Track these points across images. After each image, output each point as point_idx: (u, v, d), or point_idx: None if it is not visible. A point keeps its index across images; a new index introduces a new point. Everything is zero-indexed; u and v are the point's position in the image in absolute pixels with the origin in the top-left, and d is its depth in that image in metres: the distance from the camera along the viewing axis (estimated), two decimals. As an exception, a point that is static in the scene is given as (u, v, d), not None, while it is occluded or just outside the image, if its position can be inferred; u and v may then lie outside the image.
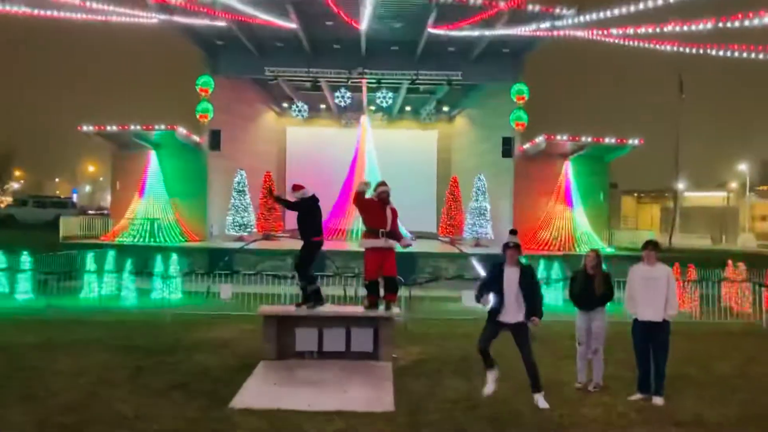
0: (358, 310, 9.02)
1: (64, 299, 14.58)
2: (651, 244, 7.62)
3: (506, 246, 7.52)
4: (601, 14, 19.98)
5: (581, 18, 21.84)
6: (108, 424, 6.43)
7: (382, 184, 9.11)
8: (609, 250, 24.41)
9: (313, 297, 8.88)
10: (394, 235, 8.94)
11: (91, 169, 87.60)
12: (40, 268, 15.98)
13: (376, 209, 8.95)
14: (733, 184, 66.53)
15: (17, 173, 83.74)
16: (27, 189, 75.87)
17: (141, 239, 23.79)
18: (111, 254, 17.04)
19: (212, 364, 9.00)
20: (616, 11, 19.08)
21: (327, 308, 9.17)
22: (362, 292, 13.31)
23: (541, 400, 7.23)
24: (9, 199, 54.94)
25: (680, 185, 57.33)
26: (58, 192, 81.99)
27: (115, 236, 24.31)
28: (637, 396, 7.59)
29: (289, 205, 9.22)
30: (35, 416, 6.64)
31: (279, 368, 8.31)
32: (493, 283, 7.43)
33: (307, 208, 9.03)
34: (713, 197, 69.48)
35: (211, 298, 14.91)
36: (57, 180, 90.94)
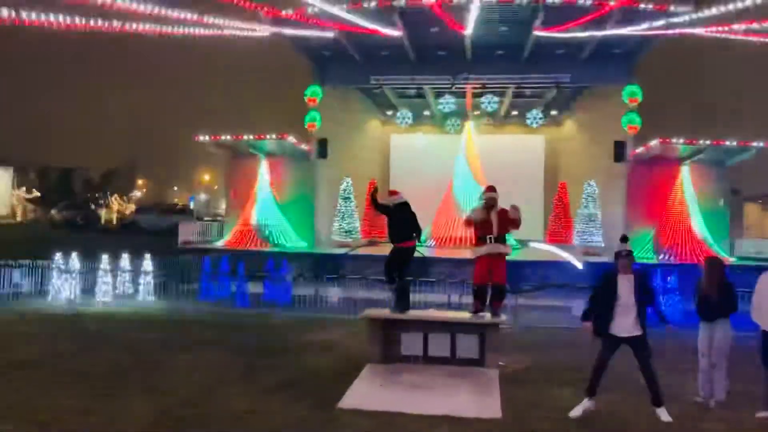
0: (464, 316, 8.93)
1: (182, 301, 15.38)
2: None
3: (618, 254, 7.21)
4: (721, 8, 18.78)
5: (698, 15, 20.71)
6: (223, 420, 6.70)
7: (489, 188, 9.01)
8: (731, 260, 22.88)
9: (397, 298, 8.93)
10: (502, 240, 8.83)
11: (206, 177, 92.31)
12: (160, 271, 16.96)
13: (484, 216, 8.86)
14: None
15: (140, 182, 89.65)
16: (148, 197, 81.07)
17: (254, 244, 24.74)
18: (225, 258, 17.83)
19: (320, 365, 9.20)
20: (739, 3, 17.92)
21: (432, 313, 9.15)
22: (466, 299, 13.25)
23: (663, 414, 6.86)
24: (133, 207, 58.85)
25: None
26: (177, 200, 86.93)
27: (232, 241, 25.41)
28: (765, 414, 7.02)
29: (378, 207, 9.35)
30: (156, 407, 7.03)
31: (385, 371, 8.36)
32: (604, 294, 7.09)
33: (394, 213, 9.12)
34: None
35: (318, 301, 15.25)
36: (175, 188, 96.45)
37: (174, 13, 18.43)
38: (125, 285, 17.03)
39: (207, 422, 6.61)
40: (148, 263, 16.86)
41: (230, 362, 9.30)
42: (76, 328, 12.02)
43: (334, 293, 14.50)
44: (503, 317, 8.95)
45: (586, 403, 6.99)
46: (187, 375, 8.55)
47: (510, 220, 8.86)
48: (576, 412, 6.95)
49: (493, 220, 8.76)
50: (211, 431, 6.35)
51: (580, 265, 16.64)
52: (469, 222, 9.08)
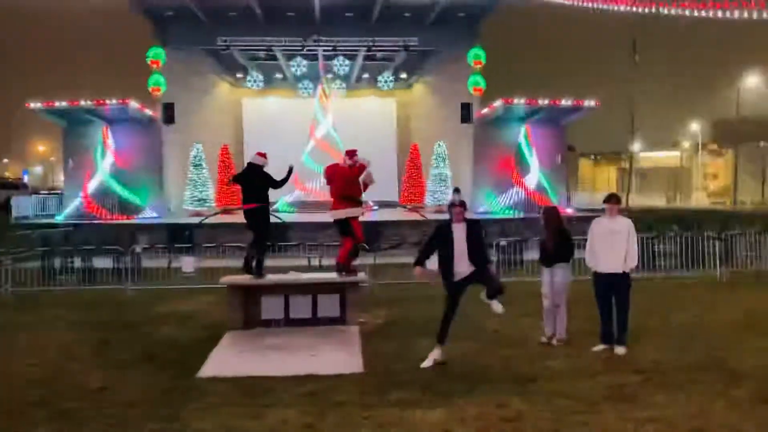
0: (324, 276, 9.02)
1: (22, 280, 14.18)
2: (613, 198, 7.78)
3: (451, 204, 7.61)
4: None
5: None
6: (75, 397, 6.31)
7: (348, 153, 9.23)
8: (569, 211, 24.80)
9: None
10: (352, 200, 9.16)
11: (41, 148, 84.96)
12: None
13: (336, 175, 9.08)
14: (686, 144, 68.11)
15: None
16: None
17: (99, 217, 23.24)
18: (66, 232, 16.63)
19: (179, 335, 8.91)
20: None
21: (293, 276, 9.14)
22: (325, 262, 13.41)
23: (495, 304, 7.28)
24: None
25: (635, 146, 58.52)
26: (7, 174, 79.38)
27: (74, 215, 23.68)
28: (601, 347, 7.79)
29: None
30: (-2, 395, 6.49)
31: (246, 337, 8.27)
32: (439, 241, 7.40)
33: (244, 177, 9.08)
34: (668, 157, 71.11)
35: (172, 272, 14.69)
36: (5, 161, 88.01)
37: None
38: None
39: (57, 401, 6.19)
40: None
41: (82, 340, 8.74)
42: None
43: (188, 263, 14.01)
44: (362, 275, 9.12)
45: (435, 352, 7.32)
46: (32, 355, 7.95)
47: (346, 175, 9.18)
48: (427, 362, 7.26)
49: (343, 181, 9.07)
50: (63, 410, 5.96)
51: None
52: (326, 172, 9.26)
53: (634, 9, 20.53)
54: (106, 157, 24.63)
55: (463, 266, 7.29)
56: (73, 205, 24.27)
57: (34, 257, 14.89)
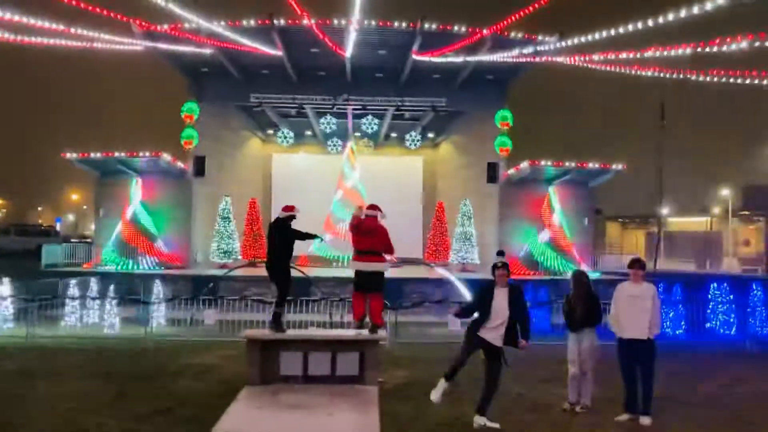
0: (344, 333, 8.95)
1: (45, 327, 14.31)
2: (637, 263, 7.66)
3: (495, 266, 7.54)
4: (583, 39, 20.21)
5: (564, 44, 22.20)
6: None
7: (373, 207, 9.28)
8: (595, 274, 24.50)
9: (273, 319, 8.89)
10: (375, 256, 9.07)
11: (74, 197, 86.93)
12: (20, 295, 15.68)
13: (362, 229, 9.06)
14: (716, 210, 67.19)
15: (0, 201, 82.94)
16: (9, 218, 75.04)
17: (124, 266, 23.53)
18: (93, 281, 16.80)
19: (196, 389, 8.85)
20: (597, 35, 19.36)
21: (313, 332, 9.08)
22: (347, 318, 13.29)
23: (482, 420, 7.17)
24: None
25: (664, 210, 57.89)
26: (41, 221, 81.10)
27: (97, 263, 24.02)
28: (625, 416, 7.54)
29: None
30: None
31: (263, 393, 8.17)
32: (481, 304, 7.41)
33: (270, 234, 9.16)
34: (697, 222, 70.09)
35: (194, 324, 14.70)
36: (40, 209, 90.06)
37: (39, 23, 17.37)
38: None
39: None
40: (4, 288, 15.56)
41: (99, 390, 8.72)
42: None
43: (210, 315, 14.02)
44: (382, 333, 9.03)
45: (443, 385, 7.28)
46: (49, 406, 7.94)
47: (384, 243, 9.15)
48: (436, 396, 7.29)
49: (371, 236, 8.96)
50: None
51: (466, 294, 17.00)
52: (352, 222, 9.26)
53: (662, 74, 20.62)
54: (135, 208, 25.09)
55: (494, 333, 7.21)
56: (101, 254, 24.61)
57: (59, 304, 15.06)
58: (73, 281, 16.15)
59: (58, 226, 62.56)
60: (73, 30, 18.32)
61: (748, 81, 18.26)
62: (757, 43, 14.53)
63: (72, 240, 43.95)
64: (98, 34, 19.75)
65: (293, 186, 29.97)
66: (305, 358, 8.47)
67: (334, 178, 28.28)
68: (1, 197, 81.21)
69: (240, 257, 26.33)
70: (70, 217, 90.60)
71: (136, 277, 20.54)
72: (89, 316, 15.62)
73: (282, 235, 8.94)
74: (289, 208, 9.14)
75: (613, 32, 18.53)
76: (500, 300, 7.28)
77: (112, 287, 15.74)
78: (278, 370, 8.49)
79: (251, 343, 8.54)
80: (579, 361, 7.89)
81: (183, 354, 11.59)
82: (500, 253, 7.21)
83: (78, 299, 15.65)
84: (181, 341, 12.94)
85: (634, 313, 7.36)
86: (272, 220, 9.30)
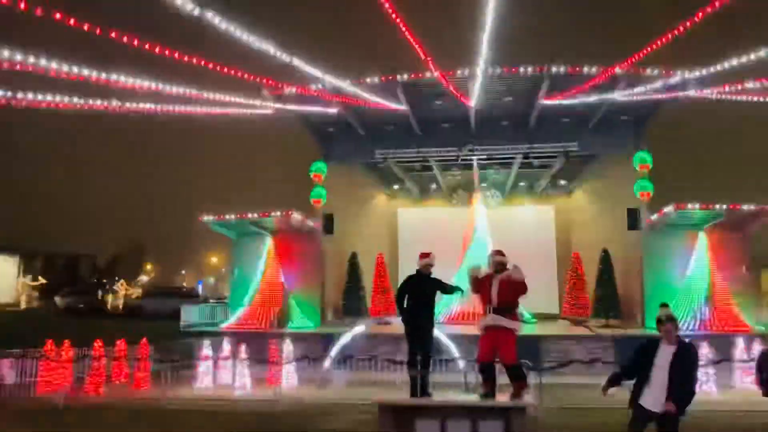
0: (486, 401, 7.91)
1: (179, 388, 14.36)
2: None
3: (659, 320, 6.40)
4: (726, 66, 18.37)
5: (704, 77, 20.43)
6: None
7: (496, 252, 8.16)
8: (760, 329, 21.79)
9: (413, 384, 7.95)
10: (506, 311, 7.83)
11: (214, 260, 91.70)
12: (156, 357, 15.98)
13: (485, 282, 7.97)
14: None
15: (148, 267, 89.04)
16: (156, 282, 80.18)
17: (260, 326, 23.73)
18: (225, 341, 16.87)
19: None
20: (735, 62, 17.53)
21: (450, 397, 8.18)
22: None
23: None
24: (140, 292, 58.06)
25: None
26: (185, 284, 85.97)
27: (236, 324, 24.42)
28: None
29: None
30: None
31: (398, 467, 7.35)
32: (641, 363, 6.28)
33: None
34: None
35: (324, 385, 14.19)
36: (183, 273, 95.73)
37: (174, 89, 18.23)
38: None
39: None
40: (144, 349, 15.94)
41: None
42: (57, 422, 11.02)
43: (340, 376, 13.44)
44: (528, 399, 7.91)
45: None
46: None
47: (514, 285, 7.88)
48: None
49: (494, 288, 7.83)
50: None
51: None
52: (473, 280, 8.18)
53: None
54: (269, 267, 25.46)
55: (660, 397, 6.07)
56: (235, 314, 25.08)
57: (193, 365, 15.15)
58: (207, 341, 16.25)
59: (199, 289, 65.95)
60: (206, 95, 19.08)
61: None
62: None
63: (210, 301, 45.83)
64: (230, 98, 20.49)
65: (420, 239, 29.37)
66: (443, 427, 7.57)
67: (461, 231, 27.48)
68: (150, 262, 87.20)
69: (369, 314, 25.93)
70: (211, 280, 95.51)
71: (268, 336, 20.56)
72: (221, 377, 15.59)
73: (425, 287, 8.21)
74: (425, 256, 8.42)
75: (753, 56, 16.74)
76: (663, 360, 6.12)
77: (243, 347, 15.65)
78: (414, 441, 7.64)
79: (383, 409, 7.77)
80: None
81: (313, 418, 11.00)
82: (664, 306, 6.19)
83: (212, 359, 15.71)
84: (312, 404, 12.41)
85: None
86: (407, 275, 8.52)
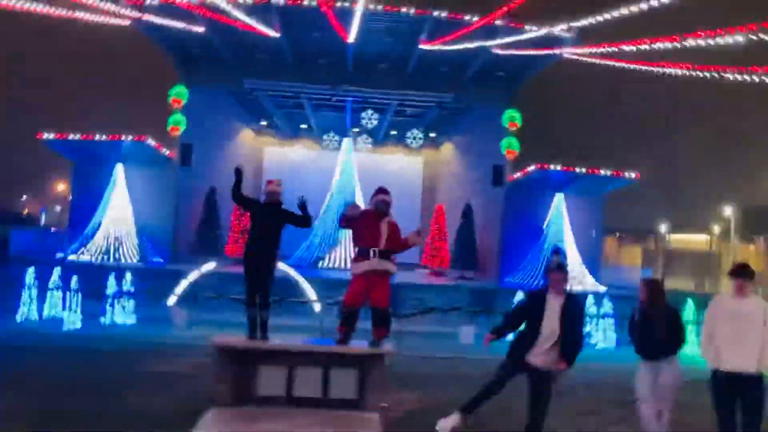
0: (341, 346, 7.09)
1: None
2: (742, 271, 5.61)
3: (549, 269, 5.86)
4: (599, 28, 18.63)
5: (579, 36, 20.73)
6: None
7: (382, 191, 7.28)
8: (602, 289, 22.99)
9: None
10: (391, 255, 7.08)
11: (61, 187, 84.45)
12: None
13: (369, 222, 7.10)
14: (717, 228, 65.79)
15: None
16: (-7, 207, 72.44)
17: (100, 257, 21.72)
18: (57, 272, 14.95)
19: (151, 408, 7.06)
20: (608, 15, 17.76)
21: (302, 342, 7.32)
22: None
23: None
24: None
25: (662, 227, 56.42)
26: (26, 210, 78.63)
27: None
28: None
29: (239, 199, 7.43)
30: None
31: (234, 417, 6.40)
32: (529, 314, 5.73)
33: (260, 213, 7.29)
34: (696, 241, 68.68)
35: (166, 324, 12.91)
36: (23, 198, 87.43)
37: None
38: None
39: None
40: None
41: (19, 407, 6.88)
42: None
43: (181, 315, 12.22)
44: (388, 347, 7.19)
45: (454, 418, 5.70)
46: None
47: (401, 240, 7.11)
48: (443, 426, 5.73)
49: (383, 230, 7.01)
50: None
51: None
52: (346, 220, 7.28)
53: (687, 72, 19.06)
54: (116, 197, 23.23)
55: (545, 357, 5.55)
56: (75, 245, 22.78)
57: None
58: (31, 269, 14.28)
59: (42, 217, 60.45)
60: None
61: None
62: None
63: (53, 229, 41.97)
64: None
65: (286, 182, 28.07)
66: (290, 375, 6.69)
67: (330, 176, 26.56)
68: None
69: (225, 253, 24.55)
70: (57, 208, 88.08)
71: (106, 270, 18.71)
72: (48, 310, 13.82)
73: (271, 219, 7.14)
74: (271, 182, 7.36)
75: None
76: (553, 312, 5.61)
77: (74, 279, 13.92)
78: (255, 389, 6.71)
79: (222, 352, 6.74)
80: (654, 398, 5.95)
81: (147, 360, 9.77)
82: (557, 252, 5.58)
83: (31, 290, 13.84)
84: (148, 344, 11.13)
85: (737, 337, 5.47)
86: (260, 199, 7.40)
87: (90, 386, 7.91)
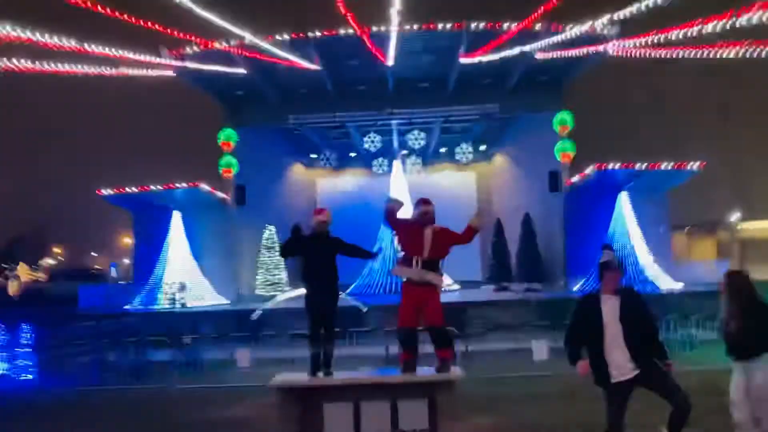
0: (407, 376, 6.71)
1: (72, 376, 12.62)
2: None
3: (604, 265, 5.35)
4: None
5: (622, 29, 20.02)
6: None
7: (423, 202, 6.91)
8: (678, 286, 21.94)
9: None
10: (435, 266, 6.60)
11: (127, 241, 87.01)
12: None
13: (413, 228, 6.70)
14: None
15: (56, 250, 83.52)
16: (66, 265, 75.20)
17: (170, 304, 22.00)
18: (125, 324, 15.17)
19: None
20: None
21: (366, 374, 6.98)
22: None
23: None
24: (44, 276, 54.34)
25: (734, 215, 53.90)
26: (97, 266, 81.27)
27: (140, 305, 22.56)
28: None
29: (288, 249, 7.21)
30: None
31: (304, 460, 6.11)
32: (583, 322, 5.23)
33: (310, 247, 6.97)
34: (772, 226, 65.33)
35: (229, 367, 12.77)
36: (93, 254, 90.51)
37: (57, 41, 16.14)
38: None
39: None
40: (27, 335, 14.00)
41: None
42: None
43: (243, 356, 12.05)
44: (456, 371, 6.75)
45: None
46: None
47: (450, 237, 6.63)
48: None
49: (426, 238, 6.57)
50: None
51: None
52: (391, 213, 6.87)
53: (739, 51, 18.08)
54: (175, 244, 23.59)
55: (619, 359, 5.05)
56: (141, 296, 23.17)
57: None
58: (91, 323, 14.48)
59: (113, 271, 62.31)
60: (96, 48, 17.03)
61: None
62: None
63: (119, 282, 43.17)
64: (124, 53, 18.47)
65: (339, 210, 28.03)
66: (356, 410, 6.35)
67: (383, 200, 26.30)
68: (56, 244, 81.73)
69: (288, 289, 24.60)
70: (126, 261, 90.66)
71: (175, 316, 18.92)
72: (113, 359, 13.93)
73: (321, 249, 6.83)
74: (319, 212, 7.06)
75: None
76: (612, 315, 5.12)
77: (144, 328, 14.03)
78: (322, 428, 6.41)
79: (283, 393, 6.48)
80: (749, 403, 5.36)
81: (212, 405, 9.60)
82: (607, 247, 5.10)
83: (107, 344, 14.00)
84: (213, 389, 10.99)
85: None
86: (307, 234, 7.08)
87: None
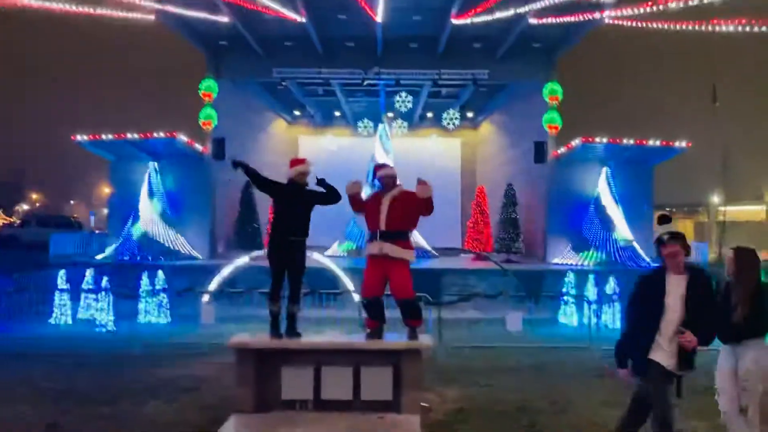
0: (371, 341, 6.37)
1: (32, 324, 12.21)
2: None
3: (662, 240, 4.77)
4: None
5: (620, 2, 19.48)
6: None
7: (379, 167, 6.51)
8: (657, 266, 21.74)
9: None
10: (397, 236, 6.18)
11: (107, 191, 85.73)
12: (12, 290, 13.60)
13: (374, 203, 6.30)
14: (771, 196, 62.90)
15: (34, 196, 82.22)
16: (43, 212, 74.05)
17: (135, 257, 21.48)
18: (88, 273, 14.64)
19: (168, 416, 6.51)
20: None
21: (327, 338, 6.64)
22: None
23: None
24: (17, 221, 53.34)
25: (715, 198, 54.17)
26: (76, 215, 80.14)
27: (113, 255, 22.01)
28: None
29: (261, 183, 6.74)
30: None
31: (257, 425, 5.78)
32: (646, 301, 4.73)
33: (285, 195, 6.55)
34: (750, 211, 65.97)
35: (197, 323, 12.41)
36: (72, 202, 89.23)
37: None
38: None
39: None
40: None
41: (30, 417, 6.40)
42: None
43: (207, 312, 11.69)
44: (426, 340, 6.42)
45: None
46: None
47: (412, 203, 6.22)
48: None
49: (383, 209, 6.15)
50: None
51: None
52: (354, 200, 6.49)
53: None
54: (151, 195, 22.95)
55: (668, 353, 4.62)
56: (113, 246, 22.62)
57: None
58: (62, 272, 13.99)
59: (91, 220, 61.43)
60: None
61: None
62: None
63: (96, 231, 42.45)
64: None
65: (321, 170, 27.50)
66: (317, 375, 6.02)
67: (366, 162, 25.88)
68: (35, 191, 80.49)
69: (265, 246, 24.16)
70: (104, 211, 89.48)
71: (143, 269, 18.43)
72: (84, 314, 13.53)
73: (298, 200, 6.42)
74: (299, 162, 6.65)
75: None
76: (675, 295, 4.61)
77: (105, 279, 13.58)
78: (279, 393, 6.07)
79: (241, 354, 6.11)
80: (735, 389, 5.02)
81: (167, 363, 9.22)
82: (665, 219, 4.36)
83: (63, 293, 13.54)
84: (178, 345, 10.63)
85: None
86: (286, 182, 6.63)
87: (104, 394, 7.39)
